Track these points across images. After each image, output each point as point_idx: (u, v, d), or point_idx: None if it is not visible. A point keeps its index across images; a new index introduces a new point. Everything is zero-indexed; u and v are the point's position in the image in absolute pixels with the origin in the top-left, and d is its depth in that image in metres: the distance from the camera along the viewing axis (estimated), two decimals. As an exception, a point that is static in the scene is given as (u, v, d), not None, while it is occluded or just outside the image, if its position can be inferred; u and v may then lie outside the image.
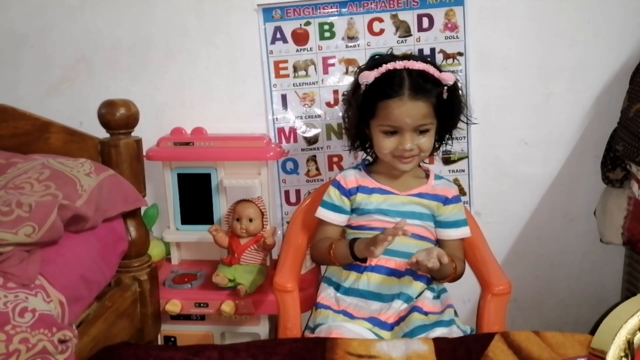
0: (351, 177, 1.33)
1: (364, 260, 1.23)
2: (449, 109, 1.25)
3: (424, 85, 1.20)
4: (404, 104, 1.19)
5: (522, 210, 1.75)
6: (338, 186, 1.33)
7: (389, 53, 1.32)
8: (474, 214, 1.59)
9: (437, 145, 1.32)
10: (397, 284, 1.25)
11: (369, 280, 1.26)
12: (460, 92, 1.28)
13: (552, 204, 1.73)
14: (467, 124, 1.35)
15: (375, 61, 1.28)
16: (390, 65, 1.21)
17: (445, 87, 1.21)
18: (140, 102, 1.38)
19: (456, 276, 1.27)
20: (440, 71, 1.23)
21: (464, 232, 1.31)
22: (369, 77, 1.22)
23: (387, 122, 1.21)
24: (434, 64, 1.25)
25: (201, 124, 1.63)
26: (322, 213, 1.33)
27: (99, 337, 1.16)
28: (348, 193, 1.32)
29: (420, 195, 1.30)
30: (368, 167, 1.35)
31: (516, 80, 1.65)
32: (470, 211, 1.64)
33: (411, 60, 1.21)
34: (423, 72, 1.21)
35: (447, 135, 1.32)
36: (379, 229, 1.23)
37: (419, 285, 1.26)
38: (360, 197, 1.30)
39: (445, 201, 1.31)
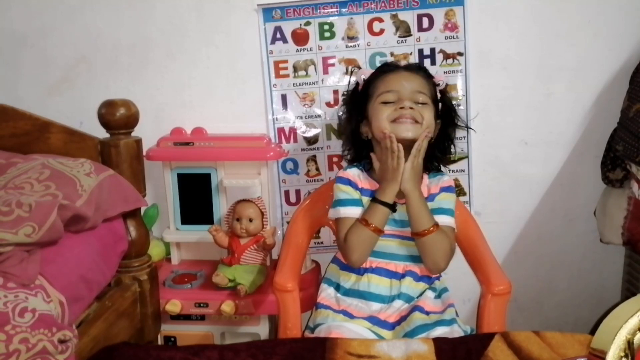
0: (355, 176, 1.30)
1: (392, 205, 1.21)
2: (445, 114, 1.30)
3: (418, 68, 1.31)
4: (400, 73, 1.27)
5: (522, 210, 1.75)
6: (348, 182, 1.29)
7: None
8: (474, 214, 1.59)
9: (440, 154, 1.34)
10: (397, 285, 1.25)
11: (369, 282, 1.26)
12: (451, 100, 1.36)
13: (552, 204, 1.73)
14: (464, 128, 1.41)
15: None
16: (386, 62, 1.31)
17: (438, 85, 1.29)
18: (140, 102, 1.38)
19: (436, 241, 1.20)
20: None
21: (445, 220, 1.25)
22: (366, 72, 1.31)
23: (385, 88, 1.24)
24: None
25: (201, 124, 1.63)
26: (345, 212, 1.25)
27: (99, 337, 1.16)
28: (359, 190, 1.29)
29: None
30: (369, 169, 1.32)
31: (516, 80, 1.65)
32: (470, 211, 1.64)
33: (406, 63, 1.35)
34: (417, 64, 1.32)
35: (448, 142, 1.34)
36: None
37: (420, 286, 1.26)
38: (365, 200, 1.27)
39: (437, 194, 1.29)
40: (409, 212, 1.21)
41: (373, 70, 1.32)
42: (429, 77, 1.30)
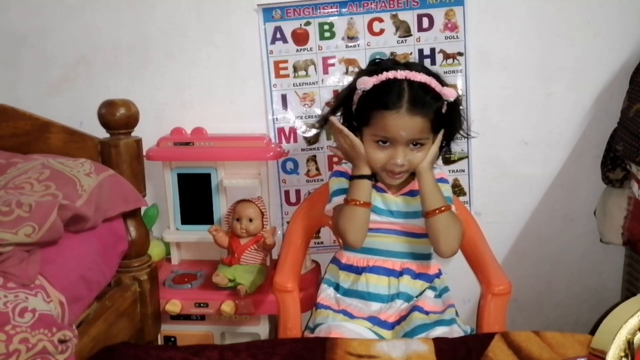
0: (349, 170, 1.28)
1: (371, 176, 1.21)
2: (447, 123, 1.21)
3: (423, 98, 1.15)
4: (401, 117, 1.14)
5: (522, 210, 1.75)
6: (342, 175, 1.28)
7: (390, 58, 1.28)
8: (474, 214, 1.59)
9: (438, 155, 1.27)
10: (395, 284, 1.25)
11: (367, 282, 1.25)
12: (460, 107, 1.25)
13: (552, 204, 1.73)
14: (466, 137, 1.33)
15: (376, 66, 1.23)
16: (390, 74, 1.16)
17: (445, 103, 1.18)
18: (140, 102, 1.38)
19: (450, 221, 1.20)
20: (443, 85, 1.18)
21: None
22: (367, 83, 1.17)
23: (381, 132, 1.17)
24: (437, 76, 1.19)
25: (201, 124, 1.63)
26: (339, 200, 1.25)
27: (99, 337, 1.16)
28: None
29: (411, 193, 1.27)
30: None
31: (516, 80, 1.65)
32: (470, 211, 1.64)
33: (413, 71, 1.17)
34: (424, 85, 1.16)
35: (445, 147, 1.28)
36: (371, 230, 1.23)
37: (418, 284, 1.26)
38: None
39: None
40: (422, 191, 1.20)
41: (374, 81, 1.16)
42: (435, 100, 1.16)
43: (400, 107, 1.14)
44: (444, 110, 1.19)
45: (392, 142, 1.18)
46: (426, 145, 1.20)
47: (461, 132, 1.27)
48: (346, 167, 1.30)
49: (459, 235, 1.22)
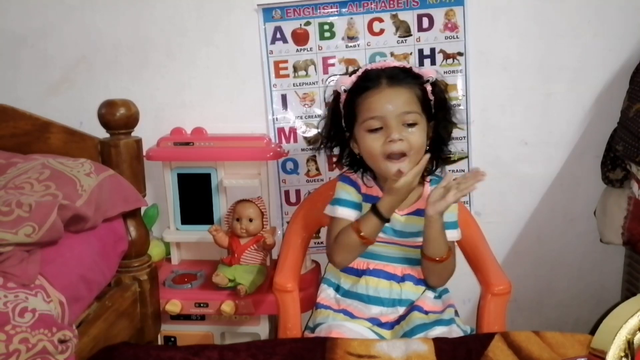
0: (359, 180, 1.26)
1: (388, 219, 1.19)
2: (437, 109, 1.21)
3: (401, 74, 1.17)
4: (382, 91, 1.15)
5: (522, 210, 1.75)
6: (352, 183, 1.26)
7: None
8: (474, 214, 1.59)
9: (436, 155, 1.26)
10: (397, 289, 1.25)
11: (368, 284, 1.25)
12: (446, 93, 1.24)
13: (552, 204, 1.73)
14: (459, 126, 1.32)
15: (352, 71, 1.24)
16: (367, 66, 1.20)
17: (428, 82, 1.18)
18: (140, 102, 1.38)
19: (447, 265, 1.21)
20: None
21: (450, 234, 1.23)
22: (346, 82, 1.19)
23: (369, 114, 1.14)
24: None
25: (201, 124, 1.63)
26: (342, 212, 1.24)
27: (99, 337, 1.16)
28: (362, 194, 1.26)
29: (417, 212, 1.23)
30: (374, 177, 1.27)
31: (516, 80, 1.64)
32: (470, 211, 1.64)
33: (388, 61, 1.21)
34: (400, 67, 1.19)
35: (444, 146, 1.26)
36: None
37: (420, 289, 1.26)
38: (365, 206, 1.24)
39: None
40: (426, 235, 1.18)
41: (352, 79, 1.19)
42: (415, 78, 1.18)
43: (380, 83, 1.16)
44: (429, 93, 1.19)
45: (383, 123, 1.14)
46: (420, 125, 1.16)
47: (454, 121, 1.25)
48: (352, 174, 1.28)
49: (451, 273, 1.25)
